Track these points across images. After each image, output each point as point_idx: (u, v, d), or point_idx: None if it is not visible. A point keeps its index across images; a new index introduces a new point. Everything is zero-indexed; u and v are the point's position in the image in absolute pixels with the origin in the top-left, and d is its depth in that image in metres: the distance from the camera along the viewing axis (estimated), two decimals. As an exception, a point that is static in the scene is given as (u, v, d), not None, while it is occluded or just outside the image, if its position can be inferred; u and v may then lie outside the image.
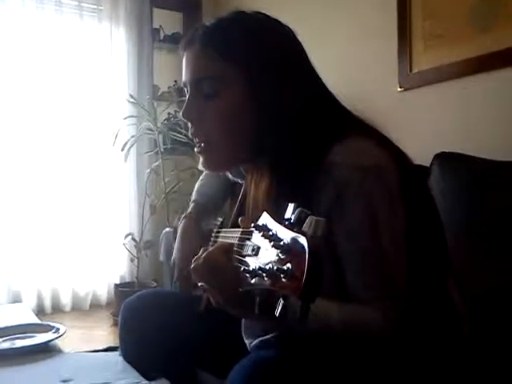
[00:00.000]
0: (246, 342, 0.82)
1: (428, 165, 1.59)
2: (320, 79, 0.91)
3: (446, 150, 1.60)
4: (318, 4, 2.65)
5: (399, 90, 2.18)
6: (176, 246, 1.19)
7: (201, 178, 1.31)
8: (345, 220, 0.77)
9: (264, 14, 0.90)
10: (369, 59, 2.35)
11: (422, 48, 2.07)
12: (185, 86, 0.91)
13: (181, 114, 0.90)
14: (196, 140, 0.90)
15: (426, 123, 2.07)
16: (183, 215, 1.23)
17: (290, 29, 0.91)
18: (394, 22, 2.17)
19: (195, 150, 0.91)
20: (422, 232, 0.81)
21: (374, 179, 0.78)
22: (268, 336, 0.76)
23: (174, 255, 1.18)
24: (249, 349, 0.82)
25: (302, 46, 0.91)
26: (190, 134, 0.91)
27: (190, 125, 0.90)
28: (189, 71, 0.88)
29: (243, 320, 0.84)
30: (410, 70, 2.12)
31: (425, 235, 0.82)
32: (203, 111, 0.86)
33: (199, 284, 0.76)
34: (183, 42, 0.90)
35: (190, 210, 1.24)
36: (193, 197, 1.26)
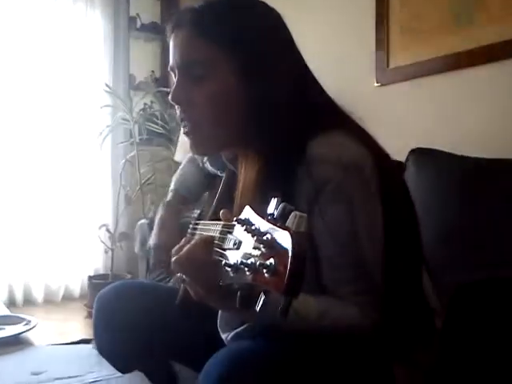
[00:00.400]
0: (222, 336, 0.82)
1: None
2: (308, 68, 0.91)
3: (424, 146, 1.62)
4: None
5: (376, 85, 2.20)
6: (154, 232, 1.18)
7: (180, 167, 1.30)
8: (323, 216, 0.77)
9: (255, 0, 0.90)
10: (346, 54, 2.36)
11: (400, 43, 2.08)
12: (172, 69, 0.89)
13: (169, 97, 0.88)
14: (184, 124, 0.89)
15: (403, 119, 2.09)
16: (162, 203, 1.22)
17: (278, 14, 0.90)
18: (371, 16, 2.19)
19: (182, 130, 0.91)
20: (398, 228, 0.82)
21: (353, 176, 0.78)
22: (242, 327, 0.76)
23: (150, 241, 1.18)
24: (225, 343, 0.81)
25: (289, 32, 0.90)
26: (178, 116, 0.90)
27: (177, 108, 0.89)
28: (177, 54, 0.87)
29: (219, 314, 0.84)
30: (388, 66, 2.14)
31: (401, 231, 0.83)
32: (191, 94, 0.85)
33: (178, 275, 0.75)
34: (170, 25, 0.89)
35: (168, 198, 1.23)
36: (172, 185, 1.25)
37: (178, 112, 0.89)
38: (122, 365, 1.09)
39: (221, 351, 0.75)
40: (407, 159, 1.60)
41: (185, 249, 0.74)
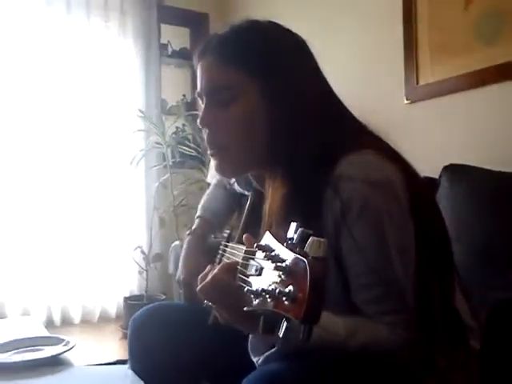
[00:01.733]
0: (254, 360, 0.82)
1: (436, 177, 1.59)
2: (332, 90, 0.92)
3: (455, 162, 1.60)
4: (326, 16, 2.67)
5: (406, 102, 2.19)
6: (181, 263, 1.19)
7: (206, 192, 1.32)
8: (352, 234, 0.77)
9: (276, 23, 0.92)
10: (376, 72, 2.37)
11: (429, 60, 2.08)
12: (199, 95, 0.92)
13: (198, 121, 0.90)
14: (211, 147, 0.91)
15: (433, 135, 2.07)
16: (188, 232, 1.24)
17: (302, 39, 0.92)
18: (400, 34, 2.19)
19: (209, 153, 0.93)
20: (430, 244, 0.81)
21: (383, 193, 0.78)
22: (272, 350, 0.76)
23: (179, 273, 1.19)
24: (256, 366, 0.81)
25: (314, 57, 0.92)
26: (205, 139, 0.92)
27: (205, 132, 0.91)
28: (204, 81, 0.89)
29: (250, 338, 0.83)
30: (417, 83, 2.13)
31: (432, 247, 0.82)
32: (219, 118, 0.88)
33: (205, 302, 0.77)
34: (197, 52, 0.91)
35: (195, 226, 1.24)
36: (198, 212, 1.27)
37: (205, 136, 0.91)
38: (157, 387, 1.10)
39: (253, 373, 0.75)
40: (440, 176, 1.58)
41: (209, 276, 0.75)
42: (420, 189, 0.86)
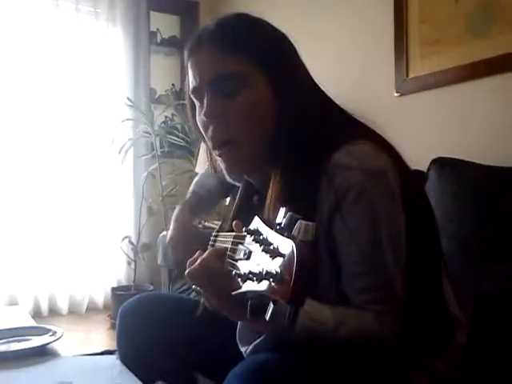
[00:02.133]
0: (242, 349, 0.82)
1: (425, 170, 1.60)
2: (318, 85, 0.92)
3: (443, 155, 1.61)
4: (315, 9, 2.66)
5: (396, 95, 2.19)
6: (170, 228, 1.20)
7: (199, 173, 1.33)
8: (346, 222, 0.77)
9: (264, 20, 0.91)
10: (366, 65, 2.37)
11: (419, 53, 2.08)
12: (198, 89, 0.86)
13: (203, 114, 0.86)
14: (216, 143, 0.87)
15: (422, 128, 2.08)
16: (180, 203, 1.26)
17: (285, 33, 0.92)
18: (390, 27, 2.19)
19: (217, 153, 0.88)
20: (419, 235, 0.82)
21: (378, 182, 0.78)
22: (260, 339, 0.76)
23: (167, 241, 1.21)
24: (244, 356, 0.82)
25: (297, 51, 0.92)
26: (208, 139, 0.88)
27: (209, 128, 0.86)
28: (204, 72, 0.85)
29: (238, 327, 0.84)
30: (407, 76, 2.14)
31: (421, 239, 0.83)
32: (225, 110, 0.84)
33: (193, 287, 0.77)
34: (188, 48, 0.88)
35: (187, 197, 1.25)
36: (190, 187, 1.28)
37: (210, 134, 0.86)
38: (145, 376, 1.10)
39: (241, 363, 0.75)
40: (429, 168, 1.59)
41: (198, 261, 0.75)
42: (411, 179, 0.86)
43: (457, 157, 1.58)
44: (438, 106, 2.02)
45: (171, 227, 1.21)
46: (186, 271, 0.76)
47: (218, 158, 0.89)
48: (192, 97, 0.89)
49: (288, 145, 0.83)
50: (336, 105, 0.91)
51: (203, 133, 0.89)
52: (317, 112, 0.85)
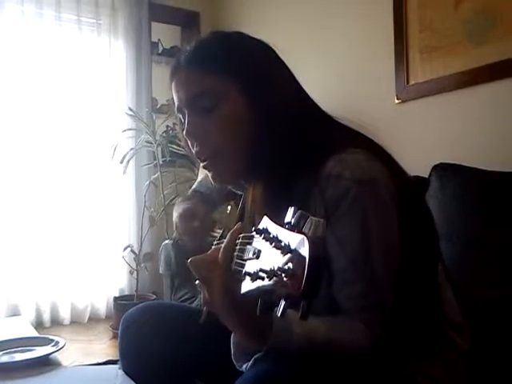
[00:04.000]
0: (241, 368, 0.80)
1: (426, 176, 1.60)
2: (306, 93, 0.94)
3: (444, 161, 1.61)
4: (316, 15, 2.68)
5: (397, 101, 2.20)
6: (174, 214, 1.20)
7: (201, 177, 1.33)
8: (337, 231, 0.78)
9: (242, 33, 0.94)
10: (366, 71, 2.38)
11: (419, 60, 2.09)
12: (179, 110, 0.93)
13: (184, 134, 0.91)
14: (202, 158, 0.91)
15: (423, 135, 2.09)
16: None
17: (269, 45, 0.94)
18: (390, 33, 2.20)
19: (202, 165, 0.93)
20: (416, 243, 0.82)
21: (370, 193, 0.78)
22: (262, 353, 0.75)
23: (174, 218, 1.20)
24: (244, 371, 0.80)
25: (284, 62, 0.94)
26: (194, 153, 0.92)
27: (194, 144, 0.91)
28: (182, 93, 0.91)
29: (232, 347, 0.82)
30: (407, 82, 2.14)
31: (419, 246, 0.82)
32: (205, 127, 0.88)
33: (196, 280, 0.76)
34: (170, 71, 0.93)
35: (187, 195, 1.26)
36: (193, 186, 1.28)
37: (193, 149, 0.91)
38: (148, 385, 1.10)
39: (244, 374, 0.74)
40: (430, 174, 1.59)
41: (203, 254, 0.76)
42: (407, 187, 0.86)
43: (458, 162, 1.58)
44: (439, 112, 2.03)
45: (176, 209, 1.20)
46: (190, 259, 0.76)
47: (204, 169, 0.94)
48: (179, 115, 0.95)
49: (270, 156, 0.85)
50: (324, 112, 0.93)
51: (190, 147, 0.93)
52: (301, 122, 0.87)
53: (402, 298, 0.78)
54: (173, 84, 0.92)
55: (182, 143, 0.98)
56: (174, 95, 0.93)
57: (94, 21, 3.32)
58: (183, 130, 0.92)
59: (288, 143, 0.84)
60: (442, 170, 1.57)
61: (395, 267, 0.79)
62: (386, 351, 0.76)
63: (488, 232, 1.33)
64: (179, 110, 0.93)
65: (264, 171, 0.86)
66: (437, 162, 1.62)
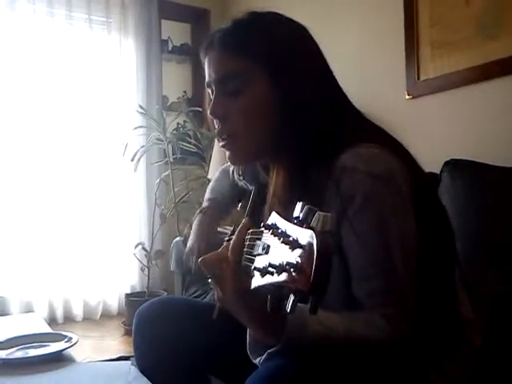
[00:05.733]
0: (255, 361, 0.80)
1: (438, 172, 1.59)
2: (336, 80, 0.92)
3: (456, 157, 1.60)
4: (326, 10, 2.67)
5: (407, 97, 2.18)
6: (190, 238, 1.21)
7: (213, 178, 1.33)
8: (354, 226, 0.77)
9: (276, 12, 0.93)
10: (377, 67, 2.36)
11: (430, 56, 2.07)
12: (209, 86, 0.93)
13: (208, 112, 0.91)
14: (222, 136, 0.92)
15: (434, 130, 2.07)
16: (198, 210, 1.26)
17: (304, 27, 0.93)
18: (401, 29, 2.18)
19: (220, 144, 0.94)
20: (433, 239, 0.81)
21: (386, 185, 0.78)
22: (275, 348, 0.75)
23: (188, 247, 1.21)
24: (259, 366, 0.80)
25: (318, 45, 0.93)
26: (215, 129, 0.93)
27: (216, 122, 0.91)
28: (212, 71, 0.91)
29: (248, 339, 0.82)
30: (418, 78, 2.13)
31: (435, 242, 0.82)
32: (229, 108, 0.89)
33: (208, 279, 0.77)
34: (203, 47, 0.93)
35: (205, 205, 1.26)
36: (207, 195, 1.29)
37: (216, 126, 0.92)
38: (161, 381, 1.10)
39: (259, 369, 0.74)
40: (442, 170, 1.58)
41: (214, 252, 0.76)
42: (423, 182, 0.86)
43: (470, 158, 1.57)
44: (450, 107, 2.01)
45: (193, 237, 1.21)
46: (200, 258, 0.76)
47: (222, 147, 0.94)
48: (208, 90, 0.95)
49: (290, 143, 0.85)
50: (350, 104, 0.91)
51: (214, 124, 0.94)
52: (325, 111, 0.86)
53: (421, 294, 0.77)
54: (206, 59, 0.92)
55: (208, 118, 0.98)
56: (205, 69, 0.93)
57: (105, 19, 3.34)
58: (209, 106, 0.93)
59: (308, 137, 0.83)
60: (454, 166, 1.56)
61: (415, 263, 0.78)
62: (408, 348, 0.76)
63: (499, 229, 1.32)
64: (209, 85, 0.93)
65: (284, 162, 0.86)
66: (448, 158, 1.61)
